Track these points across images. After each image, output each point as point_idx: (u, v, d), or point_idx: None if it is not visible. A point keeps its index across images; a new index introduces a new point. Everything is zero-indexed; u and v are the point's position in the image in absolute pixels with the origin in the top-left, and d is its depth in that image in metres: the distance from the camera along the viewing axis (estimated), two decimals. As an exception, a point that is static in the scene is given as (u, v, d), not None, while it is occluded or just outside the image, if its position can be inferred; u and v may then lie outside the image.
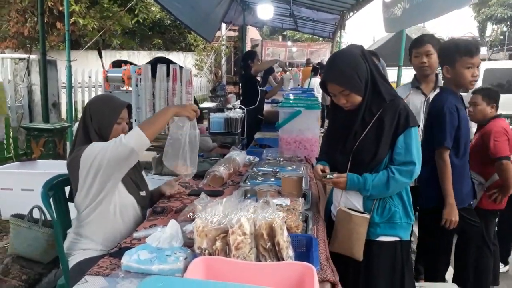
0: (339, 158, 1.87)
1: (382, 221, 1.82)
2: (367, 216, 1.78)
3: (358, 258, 1.79)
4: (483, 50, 31.77)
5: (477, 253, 2.67)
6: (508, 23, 26.91)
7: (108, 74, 3.06)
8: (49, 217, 2.08)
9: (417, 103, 2.67)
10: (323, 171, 1.88)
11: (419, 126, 1.83)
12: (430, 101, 2.58)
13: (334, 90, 1.79)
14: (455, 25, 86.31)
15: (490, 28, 29.77)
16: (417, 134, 1.80)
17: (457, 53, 2.24)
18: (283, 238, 1.32)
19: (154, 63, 3.39)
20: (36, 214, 2.51)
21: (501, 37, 28.36)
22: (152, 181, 2.27)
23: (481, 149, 2.77)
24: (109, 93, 2.99)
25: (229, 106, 6.80)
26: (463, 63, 2.23)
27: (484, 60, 31.81)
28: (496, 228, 3.06)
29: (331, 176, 1.82)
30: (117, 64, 3.52)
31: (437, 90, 2.62)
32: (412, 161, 1.75)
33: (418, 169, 1.77)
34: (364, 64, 1.77)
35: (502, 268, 3.23)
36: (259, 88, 4.98)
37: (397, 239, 1.85)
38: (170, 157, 1.86)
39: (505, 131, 2.76)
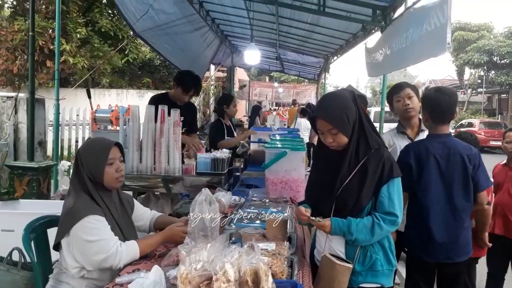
0: (323, 202, 1.87)
1: (363, 270, 1.82)
2: (350, 266, 1.77)
3: None
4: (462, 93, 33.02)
5: None
6: (485, 68, 28.14)
7: (96, 115, 3.09)
8: (29, 260, 2.03)
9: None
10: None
11: (401, 176, 1.86)
12: None
13: (323, 128, 1.82)
14: (436, 69, 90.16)
15: (468, 72, 31.10)
16: (399, 185, 1.83)
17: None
18: (268, 285, 1.32)
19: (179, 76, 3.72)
20: (16, 256, 2.44)
21: (479, 81, 29.58)
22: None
23: None
24: (97, 135, 3.00)
25: (217, 145, 6.81)
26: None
27: (464, 102, 32.64)
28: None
29: (316, 219, 1.82)
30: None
31: (421, 134, 2.70)
32: (394, 213, 1.78)
33: (399, 220, 1.80)
34: (354, 108, 1.81)
35: None
36: (225, 134, 4.55)
37: (378, 285, 1.85)
38: (193, 236, 1.86)
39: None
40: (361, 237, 1.76)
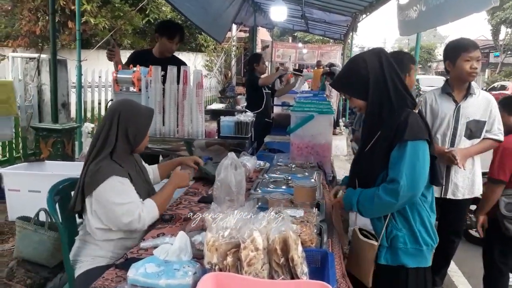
0: (352, 176, 1.83)
1: (387, 245, 1.66)
2: (375, 243, 1.63)
3: (366, 283, 1.67)
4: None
5: None
6: (523, 26, 26.57)
7: (118, 76, 3.00)
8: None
9: (447, 111, 2.54)
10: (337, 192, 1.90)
11: (425, 140, 1.59)
12: (461, 109, 2.51)
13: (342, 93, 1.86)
14: (468, 28, 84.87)
15: (504, 31, 29.35)
16: (415, 149, 1.55)
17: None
18: (297, 254, 1.25)
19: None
20: (43, 216, 2.47)
21: (515, 41, 28.01)
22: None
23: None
24: (119, 96, 2.95)
25: (238, 107, 6.74)
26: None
27: (497, 63, 31.21)
28: None
29: (333, 193, 1.84)
30: None
31: (469, 98, 2.52)
32: (396, 180, 1.53)
33: (404, 188, 1.52)
34: (363, 69, 1.65)
35: None
36: (263, 91, 4.90)
37: (399, 265, 1.66)
38: (219, 201, 1.81)
39: None
40: (364, 209, 1.64)
